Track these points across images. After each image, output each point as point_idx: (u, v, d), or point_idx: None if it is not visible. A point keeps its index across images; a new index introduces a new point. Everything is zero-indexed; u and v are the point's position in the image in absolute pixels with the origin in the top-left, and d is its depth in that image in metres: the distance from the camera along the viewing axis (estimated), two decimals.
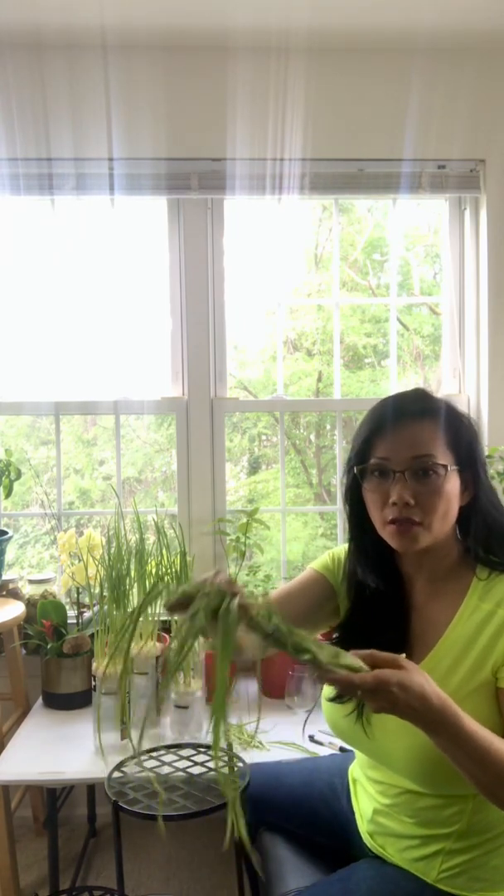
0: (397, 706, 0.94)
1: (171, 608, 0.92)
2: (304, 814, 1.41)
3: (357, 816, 1.34)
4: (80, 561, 2.19)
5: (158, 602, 0.91)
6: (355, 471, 1.21)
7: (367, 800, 1.29)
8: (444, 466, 1.14)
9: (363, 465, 1.20)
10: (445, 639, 1.15)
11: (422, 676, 0.96)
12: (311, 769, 1.51)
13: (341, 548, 1.35)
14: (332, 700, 1.21)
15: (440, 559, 1.21)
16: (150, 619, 1.98)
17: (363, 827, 1.30)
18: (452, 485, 1.16)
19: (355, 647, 1.19)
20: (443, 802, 1.14)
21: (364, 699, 0.96)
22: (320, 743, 1.86)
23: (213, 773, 1.52)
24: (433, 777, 1.10)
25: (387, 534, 1.18)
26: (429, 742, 1.01)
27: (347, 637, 1.25)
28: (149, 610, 1.98)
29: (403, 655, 1.05)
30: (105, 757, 1.71)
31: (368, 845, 1.28)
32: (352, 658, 0.95)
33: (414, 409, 1.19)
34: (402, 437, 1.16)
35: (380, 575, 1.25)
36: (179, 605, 0.91)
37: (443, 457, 1.15)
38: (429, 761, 1.07)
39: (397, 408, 1.20)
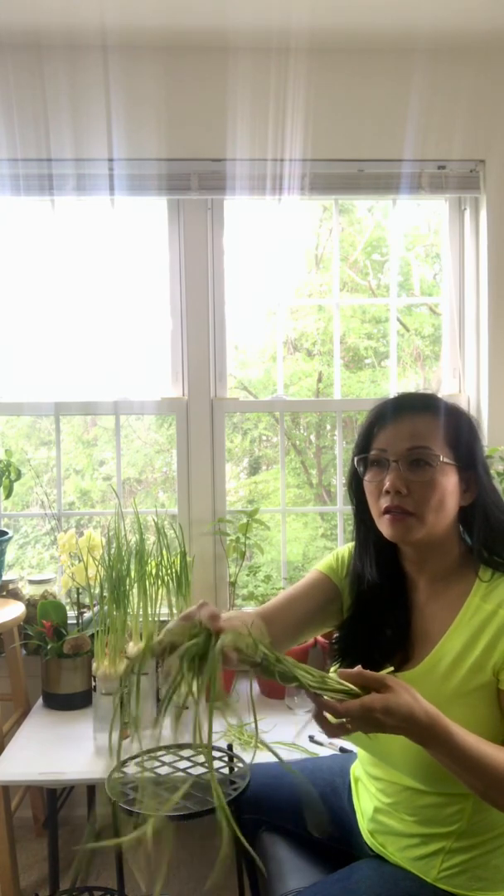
0: (384, 729, 0.96)
1: (159, 655, 0.90)
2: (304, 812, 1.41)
3: (358, 815, 1.34)
4: (80, 561, 2.19)
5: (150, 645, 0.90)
6: (355, 462, 1.23)
7: (369, 798, 1.29)
8: (438, 457, 1.15)
9: (363, 456, 1.21)
10: (447, 639, 1.16)
11: (409, 695, 0.97)
12: (312, 769, 1.51)
13: (346, 548, 1.36)
14: None
15: (442, 559, 1.21)
16: (150, 618, 1.98)
17: (364, 825, 1.30)
18: (448, 479, 1.17)
19: (356, 646, 1.20)
20: (443, 801, 1.15)
21: (352, 723, 0.97)
22: (320, 743, 1.86)
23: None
24: (433, 774, 1.10)
25: (382, 524, 1.18)
26: None
27: (351, 636, 1.26)
28: (149, 611, 1.99)
29: (392, 669, 1.07)
30: (112, 756, 1.70)
31: (369, 844, 1.28)
32: (339, 681, 0.97)
33: (416, 403, 1.21)
34: (400, 429, 1.18)
35: (382, 572, 1.25)
36: (165, 651, 0.90)
37: (439, 450, 1.16)
38: (428, 759, 1.07)
39: (400, 402, 1.23)
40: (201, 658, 0.87)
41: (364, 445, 1.22)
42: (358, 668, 1.01)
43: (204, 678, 0.86)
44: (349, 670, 0.98)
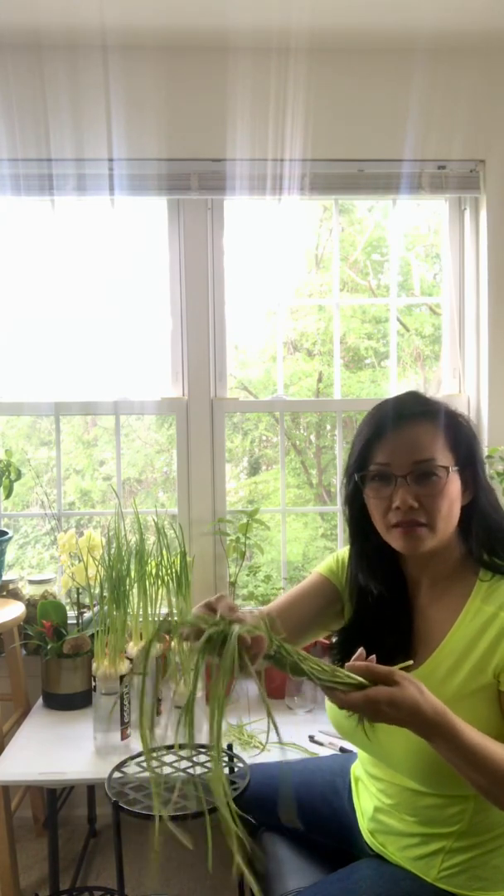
0: (389, 721, 0.96)
1: (185, 639, 0.93)
2: (305, 813, 1.41)
3: (358, 814, 1.34)
4: (80, 561, 2.19)
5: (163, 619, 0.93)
6: (356, 478, 1.20)
7: (369, 798, 1.29)
8: (446, 468, 1.14)
9: (364, 472, 1.19)
10: (447, 641, 1.15)
11: (415, 689, 0.97)
12: (313, 769, 1.52)
13: (346, 550, 1.34)
14: None
15: (443, 561, 1.21)
16: (150, 619, 1.98)
17: (364, 825, 1.30)
18: (454, 486, 1.16)
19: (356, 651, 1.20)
20: (444, 802, 1.14)
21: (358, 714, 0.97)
22: (320, 743, 1.86)
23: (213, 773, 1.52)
24: (434, 777, 1.10)
25: (392, 537, 1.17)
26: None
27: (351, 640, 1.25)
28: (149, 611, 1.99)
29: (410, 661, 1.08)
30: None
31: (369, 843, 1.28)
32: (348, 674, 0.97)
33: (411, 411, 1.18)
34: (401, 442, 1.16)
35: (382, 579, 1.24)
36: (190, 637, 0.93)
37: (443, 458, 1.15)
38: (430, 761, 1.07)
39: (395, 411, 1.19)
40: (221, 644, 0.90)
41: (363, 460, 1.20)
42: (363, 657, 1.01)
43: (224, 663, 0.89)
44: (358, 663, 0.98)
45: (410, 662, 1.09)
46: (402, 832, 1.21)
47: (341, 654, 1.24)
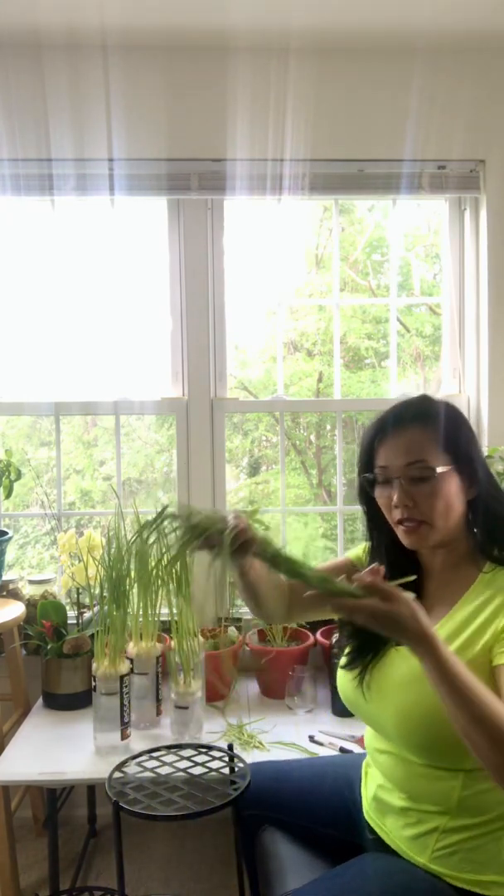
0: (388, 620, 1.03)
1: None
2: (311, 805, 1.44)
3: (364, 800, 1.38)
4: (80, 561, 2.19)
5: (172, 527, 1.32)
6: (361, 480, 1.31)
7: (373, 779, 1.35)
8: (434, 469, 1.22)
9: (367, 474, 1.29)
10: (443, 623, 1.22)
11: (415, 606, 1.06)
12: (325, 763, 1.58)
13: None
14: (344, 667, 1.32)
15: (452, 551, 1.28)
16: (150, 618, 1.98)
17: (367, 806, 1.35)
18: (450, 483, 1.23)
19: (367, 637, 1.29)
20: (434, 775, 1.18)
21: (354, 610, 1.05)
22: (320, 743, 1.85)
23: (213, 773, 1.52)
24: (419, 738, 1.16)
25: (399, 533, 1.27)
26: (418, 704, 1.15)
27: (360, 628, 1.30)
28: (149, 611, 1.99)
29: (414, 577, 1.19)
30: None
31: (371, 824, 1.32)
32: (341, 584, 1.08)
33: (407, 415, 1.27)
34: (396, 445, 1.25)
35: (396, 569, 1.29)
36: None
37: (435, 459, 1.22)
38: (416, 721, 1.15)
39: (393, 415, 1.29)
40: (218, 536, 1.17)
41: (367, 462, 1.30)
42: (379, 572, 1.08)
43: (223, 546, 1.16)
44: (366, 577, 1.06)
45: (414, 577, 1.17)
46: (397, 810, 1.25)
47: (351, 634, 1.33)
